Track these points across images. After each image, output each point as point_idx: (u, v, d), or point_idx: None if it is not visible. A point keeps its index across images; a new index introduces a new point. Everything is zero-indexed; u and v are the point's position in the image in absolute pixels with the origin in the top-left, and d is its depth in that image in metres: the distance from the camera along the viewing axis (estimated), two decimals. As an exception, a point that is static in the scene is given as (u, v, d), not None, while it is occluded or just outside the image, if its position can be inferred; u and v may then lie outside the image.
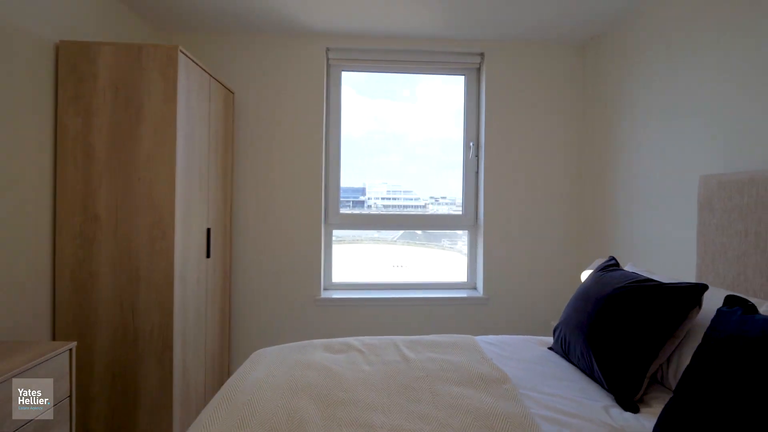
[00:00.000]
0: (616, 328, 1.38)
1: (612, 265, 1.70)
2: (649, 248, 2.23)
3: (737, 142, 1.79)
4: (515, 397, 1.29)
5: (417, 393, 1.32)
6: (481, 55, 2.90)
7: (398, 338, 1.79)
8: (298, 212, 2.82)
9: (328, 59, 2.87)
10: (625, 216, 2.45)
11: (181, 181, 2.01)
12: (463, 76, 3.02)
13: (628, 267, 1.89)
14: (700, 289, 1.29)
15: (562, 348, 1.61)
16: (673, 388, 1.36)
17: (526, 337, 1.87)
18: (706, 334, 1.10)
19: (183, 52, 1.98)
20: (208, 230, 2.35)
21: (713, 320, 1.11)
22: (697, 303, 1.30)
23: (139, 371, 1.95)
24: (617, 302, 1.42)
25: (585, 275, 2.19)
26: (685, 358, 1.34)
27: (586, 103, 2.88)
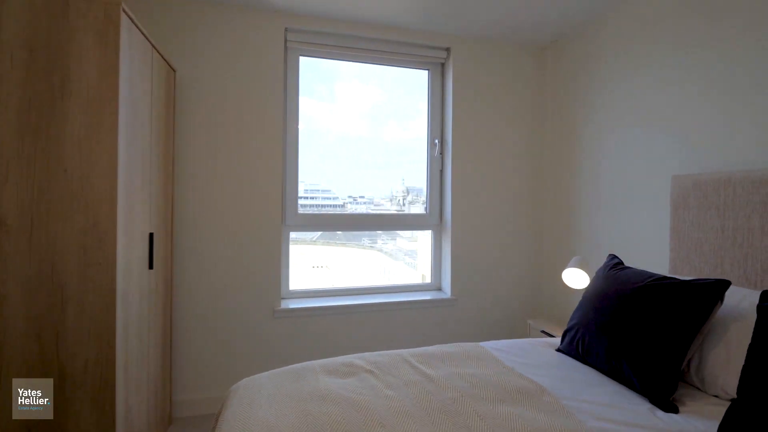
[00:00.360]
0: (644, 327, 1.36)
1: (619, 263, 1.71)
2: (617, 244, 2.34)
3: (696, 145, 1.92)
4: (563, 410, 1.20)
5: (463, 418, 1.15)
6: (447, 50, 2.82)
7: (404, 352, 1.60)
8: (252, 212, 2.47)
9: (286, 40, 2.55)
10: (592, 214, 2.55)
11: (124, 175, 1.59)
12: (427, 71, 2.92)
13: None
14: (723, 285, 1.32)
15: (578, 350, 1.57)
16: (696, 384, 1.38)
17: (527, 340, 1.82)
18: (756, 331, 1.11)
19: (126, 12, 1.56)
20: (151, 235, 1.92)
21: (760, 317, 1.13)
22: (720, 298, 1.33)
23: (66, 421, 1.50)
24: (642, 301, 1.41)
25: (568, 273, 2.21)
26: (706, 354, 1.37)
27: (550, 104, 2.96)
